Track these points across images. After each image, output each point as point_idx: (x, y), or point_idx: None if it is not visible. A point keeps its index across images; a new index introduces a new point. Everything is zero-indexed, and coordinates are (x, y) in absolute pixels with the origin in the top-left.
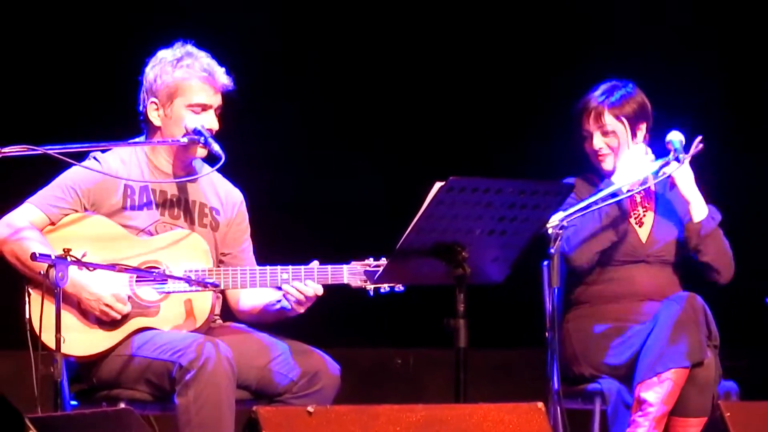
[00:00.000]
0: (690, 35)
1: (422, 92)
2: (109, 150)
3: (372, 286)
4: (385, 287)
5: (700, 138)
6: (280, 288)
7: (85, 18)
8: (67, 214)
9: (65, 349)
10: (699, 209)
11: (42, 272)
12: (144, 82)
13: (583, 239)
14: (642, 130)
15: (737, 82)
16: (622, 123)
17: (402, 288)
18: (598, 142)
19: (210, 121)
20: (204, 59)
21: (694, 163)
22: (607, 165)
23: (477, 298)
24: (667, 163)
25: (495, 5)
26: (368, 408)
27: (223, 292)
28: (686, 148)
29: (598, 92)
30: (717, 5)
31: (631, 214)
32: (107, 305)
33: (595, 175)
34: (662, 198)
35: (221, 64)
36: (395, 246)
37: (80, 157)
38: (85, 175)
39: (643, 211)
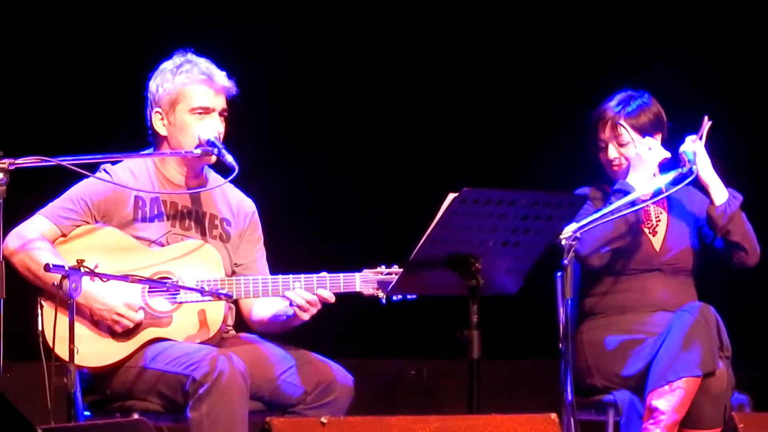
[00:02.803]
0: (704, 44)
1: (434, 102)
2: (119, 162)
3: (384, 294)
4: (397, 295)
5: (706, 117)
6: (285, 296)
7: (99, 30)
8: (78, 226)
9: (78, 360)
10: (719, 192)
11: (55, 283)
12: (148, 95)
13: (597, 237)
14: (657, 140)
15: (751, 87)
16: (638, 133)
17: (414, 295)
18: (613, 152)
19: (214, 125)
20: (203, 64)
21: (710, 151)
22: (621, 175)
23: (490, 309)
24: (680, 174)
25: (510, 15)
26: (382, 419)
27: (236, 302)
28: (696, 132)
29: (613, 102)
30: (730, 9)
31: (645, 222)
32: (119, 314)
33: (609, 185)
34: (676, 206)
35: (223, 68)
36: (408, 257)
37: (93, 168)
38: (95, 187)
39: (657, 220)
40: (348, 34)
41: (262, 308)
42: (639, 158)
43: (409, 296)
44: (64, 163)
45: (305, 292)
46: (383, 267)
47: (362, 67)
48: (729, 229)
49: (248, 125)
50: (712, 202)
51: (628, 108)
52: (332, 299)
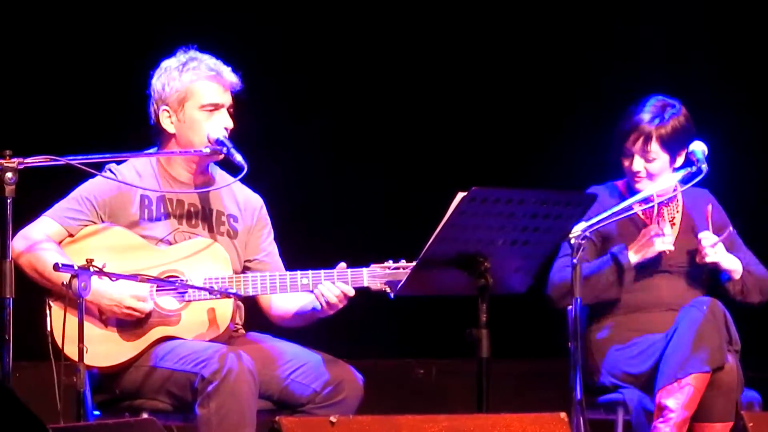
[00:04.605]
0: (711, 45)
1: (443, 101)
2: (124, 162)
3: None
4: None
5: (710, 206)
6: (311, 291)
7: (105, 29)
8: (85, 226)
9: (88, 360)
10: (735, 267)
11: (64, 283)
12: (152, 93)
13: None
14: (682, 156)
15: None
16: (666, 152)
17: None
18: (638, 165)
19: (224, 121)
20: (209, 60)
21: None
22: (641, 187)
23: (499, 308)
24: (689, 174)
25: (519, 13)
26: (391, 418)
27: (245, 300)
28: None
29: (648, 114)
30: (737, 10)
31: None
32: (128, 307)
33: (621, 181)
34: (689, 208)
35: (227, 63)
36: (417, 256)
37: (102, 168)
38: (100, 186)
39: (671, 222)
40: (355, 31)
41: (286, 302)
42: (645, 245)
43: None
44: (73, 162)
45: (336, 288)
46: (390, 262)
47: (371, 65)
48: (745, 293)
49: (254, 122)
50: (730, 277)
51: (663, 125)
52: (351, 293)
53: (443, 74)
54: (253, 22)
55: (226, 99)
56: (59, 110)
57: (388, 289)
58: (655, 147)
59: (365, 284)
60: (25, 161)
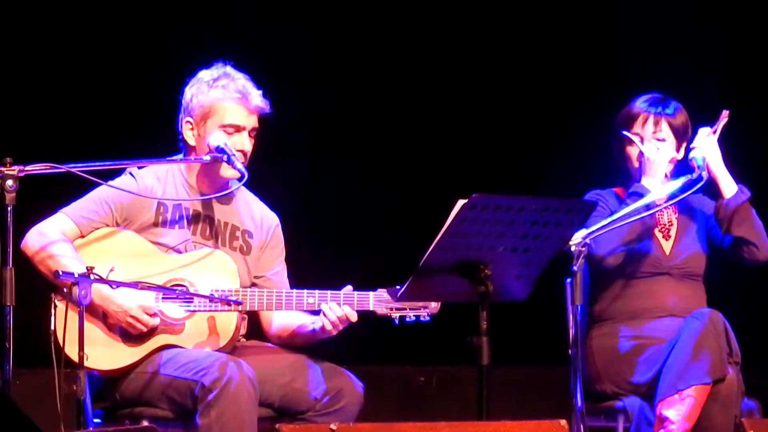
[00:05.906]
0: (712, 47)
1: (443, 109)
2: (144, 167)
3: (398, 315)
4: (410, 316)
5: (726, 112)
6: (312, 312)
7: (112, 35)
8: (97, 228)
9: (89, 362)
10: (728, 185)
11: (65, 290)
12: (182, 101)
13: (614, 238)
14: (682, 150)
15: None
16: (674, 136)
17: (428, 317)
18: (648, 148)
19: (243, 143)
20: (240, 81)
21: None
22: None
23: (500, 315)
24: (690, 180)
25: (519, 21)
26: (391, 426)
27: (253, 313)
28: (712, 125)
29: (648, 101)
30: (735, 11)
31: (658, 226)
32: (133, 317)
33: (621, 187)
34: (686, 211)
35: (258, 87)
36: (418, 263)
37: (104, 175)
38: (120, 189)
39: (669, 224)
40: (360, 46)
41: (286, 320)
42: (648, 160)
43: (422, 318)
44: (73, 170)
45: (339, 310)
46: (398, 287)
47: (372, 74)
48: (734, 221)
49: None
50: (720, 195)
51: (668, 109)
52: (354, 318)
53: (443, 82)
54: (262, 30)
55: (250, 122)
56: (61, 117)
57: (393, 314)
58: (665, 128)
59: (371, 308)
60: (26, 169)
